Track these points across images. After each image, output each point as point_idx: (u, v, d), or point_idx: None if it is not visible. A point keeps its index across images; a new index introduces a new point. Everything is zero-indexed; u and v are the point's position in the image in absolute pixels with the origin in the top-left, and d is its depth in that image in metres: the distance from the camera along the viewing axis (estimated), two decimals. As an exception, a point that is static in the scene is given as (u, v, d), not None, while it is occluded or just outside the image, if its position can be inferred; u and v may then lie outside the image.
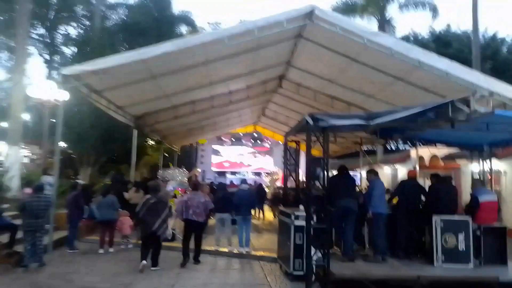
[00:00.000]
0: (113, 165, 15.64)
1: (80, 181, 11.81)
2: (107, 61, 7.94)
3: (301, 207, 6.75)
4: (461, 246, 6.24)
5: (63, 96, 10.00)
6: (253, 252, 8.57)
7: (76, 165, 14.37)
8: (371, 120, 5.18)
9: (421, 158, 17.80)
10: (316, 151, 22.38)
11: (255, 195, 8.58)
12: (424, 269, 6.13)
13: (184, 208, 7.49)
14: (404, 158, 18.46)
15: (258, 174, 32.61)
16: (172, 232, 9.18)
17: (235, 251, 8.56)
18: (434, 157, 16.14)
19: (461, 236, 6.26)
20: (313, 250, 5.53)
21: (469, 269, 6.20)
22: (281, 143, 34.07)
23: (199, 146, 34.16)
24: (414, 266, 6.30)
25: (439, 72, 8.21)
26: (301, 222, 6.23)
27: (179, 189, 10.01)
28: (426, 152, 18.26)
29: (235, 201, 8.35)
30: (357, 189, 8.88)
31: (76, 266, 7.37)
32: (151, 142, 23.52)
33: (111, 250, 8.57)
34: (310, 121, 5.41)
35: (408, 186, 7.35)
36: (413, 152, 19.12)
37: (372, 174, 7.21)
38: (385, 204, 6.78)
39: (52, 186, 8.52)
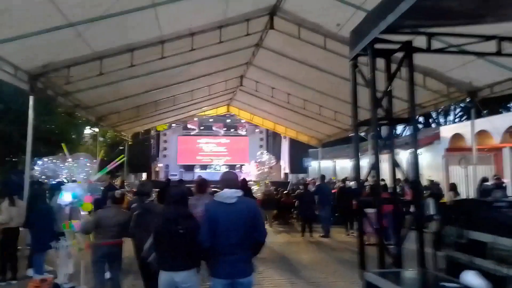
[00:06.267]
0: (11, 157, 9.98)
1: None
2: None
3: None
4: None
5: None
6: None
7: None
8: None
9: (456, 137, 13.43)
10: (304, 136, 16.97)
11: (256, 216, 3.35)
12: None
13: None
14: (430, 139, 14.09)
15: (231, 167, 27.48)
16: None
17: None
18: (482, 133, 11.68)
19: None
20: None
21: None
22: (257, 131, 29.30)
23: (162, 136, 28.64)
24: None
25: None
26: None
27: (87, 197, 4.82)
28: (461, 128, 13.92)
29: (203, 236, 3.05)
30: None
31: None
32: (91, 130, 17.92)
33: None
34: None
35: None
36: (445, 130, 14.82)
37: None
38: None
39: None
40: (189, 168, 27.97)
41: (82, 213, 4.81)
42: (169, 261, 3.15)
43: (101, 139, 18.86)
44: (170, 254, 3.15)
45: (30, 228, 6.00)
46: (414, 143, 4.27)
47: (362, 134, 23.93)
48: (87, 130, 17.82)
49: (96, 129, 16.01)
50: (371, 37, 3.61)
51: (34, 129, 8.08)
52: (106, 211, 4.82)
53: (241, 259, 3.04)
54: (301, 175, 25.24)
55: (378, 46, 3.82)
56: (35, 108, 8.03)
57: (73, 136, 13.17)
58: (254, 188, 16.36)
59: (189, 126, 27.94)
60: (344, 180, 14.23)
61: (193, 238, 3.08)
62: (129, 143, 17.92)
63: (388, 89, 4.02)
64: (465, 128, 12.31)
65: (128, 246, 5.00)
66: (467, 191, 12.41)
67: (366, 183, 4.89)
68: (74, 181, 4.81)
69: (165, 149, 29.09)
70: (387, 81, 4.07)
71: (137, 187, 5.03)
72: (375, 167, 3.75)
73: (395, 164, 4.13)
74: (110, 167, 5.41)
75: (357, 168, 4.41)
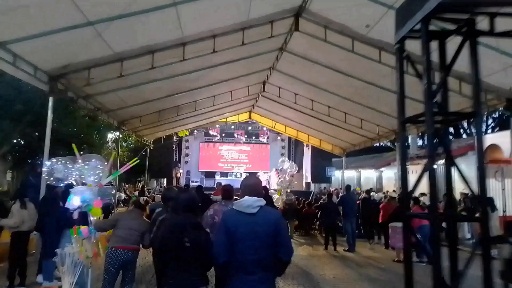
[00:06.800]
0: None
1: None
2: None
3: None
4: None
5: None
6: None
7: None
8: None
9: (492, 148, 12.60)
10: (328, 145, 16.43)
11: (280, 230, 2.67)
12: None
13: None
14: (463, 149, 13.29)
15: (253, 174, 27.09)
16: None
17: None
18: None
19: None
20: None
21: None
22: (279, 138, 28.85)
23: (184, 143, 28.65)
24: None
25: None
26: None
27: (97, 201, 4.55)
28: (498, 138, 13.03)
29: (218, 249, 2.60)
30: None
31: None
32: (115, 134, 17.99)
33: None
34: None
35: None
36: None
37: None
38: None
39: None
40: (210, 174, 27.84)
41: (91, 218, 4.54)
42: (175, 279, 2.77)
43: (123, 144, 18.97)
44: (176, 269, 2.76)
45: (42, 232, 5.80)
46: (480, 144, 3.20)
47: (388, 143, 22.97)
48: (110, 134, 17.93)
49: (118, 133, 16.06)
50: (426, 10, 2.82)
51: (54, 132, 7.99)
52: (127, 213, 4.61)
53: (261, 280, 2.57)
54: (323, 185, 24.59)
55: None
56: (55, 110, 7.96)
57: (96, 140, 13.14)
58: (275, 197, 15.94)
59: (210, 132, 27.88)
60: (368, 191, 13.66)
61: (200, 253, 2.70)
62: (151, 148, 17.88)
63: (444, 78, 3.31)
64: (502, 138, 11.50)
65: (140, 253, 4.72)
66: (504, 205, 11.57)
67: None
68: (84, 184, 4.56)
69: (187, 155, 29.08)
70: (441, 69, 3.35)
71: (162, 192, 4.47)
72: (431, 173, 2.96)
73: (453, 166, 3.32)
74: (122, 170, 5.16)
75: (403, 175, 3.52)
